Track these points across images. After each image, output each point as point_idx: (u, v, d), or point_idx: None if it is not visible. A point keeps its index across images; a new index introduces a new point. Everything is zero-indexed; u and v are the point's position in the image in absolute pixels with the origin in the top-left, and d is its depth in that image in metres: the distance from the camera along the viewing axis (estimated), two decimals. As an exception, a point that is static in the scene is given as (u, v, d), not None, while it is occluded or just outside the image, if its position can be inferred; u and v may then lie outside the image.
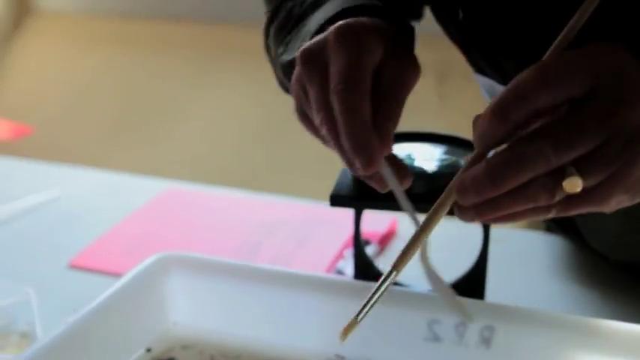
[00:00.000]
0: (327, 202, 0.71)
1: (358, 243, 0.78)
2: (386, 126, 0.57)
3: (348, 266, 0.90)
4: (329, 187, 0.72)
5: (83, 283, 0.89)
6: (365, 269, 0.79)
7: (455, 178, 0.53)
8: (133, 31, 2.23)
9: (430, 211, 0.53)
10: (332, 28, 0.59)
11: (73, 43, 2.30)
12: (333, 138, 0.57)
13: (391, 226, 0.98)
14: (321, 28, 0.65)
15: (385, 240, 0.96)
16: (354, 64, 0.56)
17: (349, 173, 0.73)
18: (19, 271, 0.92)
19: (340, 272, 0.90)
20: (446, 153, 0.74)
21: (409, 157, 0.73)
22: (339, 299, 0.70)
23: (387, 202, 0.63)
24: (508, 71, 0.73)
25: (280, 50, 0.75)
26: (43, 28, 2.35)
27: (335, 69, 0.57)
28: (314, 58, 0.59)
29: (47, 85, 2.28)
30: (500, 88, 0.75)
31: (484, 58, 0.75)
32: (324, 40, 0.59)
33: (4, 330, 0.78)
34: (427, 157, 0.73)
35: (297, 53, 0.60)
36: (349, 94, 0.55)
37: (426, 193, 0.68)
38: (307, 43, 0.60)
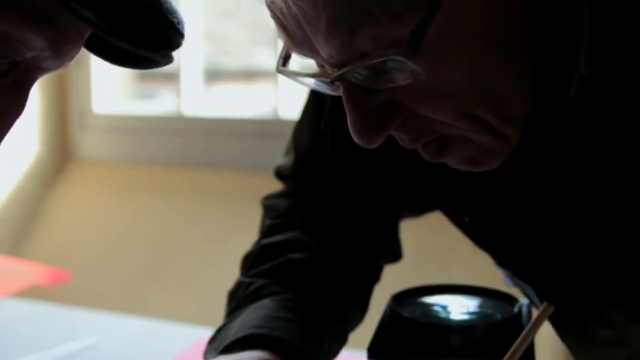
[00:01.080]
0: (364, 352, 0.72)
1: (394, 395, 0.78)
2: None
3: (384, 418, 0.89)
4: (367, 336, 0.72)
5: None
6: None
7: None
8: (170, 178, 2.29)
9: None
10: None
11: (112, 189, 2.36)
12: None
13: (426, 377, 0.97)
14: (232, 343, 0.71)
15: (420, 391, 0.95)
16: None
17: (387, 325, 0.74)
18: (55, 419, 0.92)
19: None
20: (480, 306, 0.75)
21: (445, 309, 0.74)
22: None
23: (426, 357, 0.64)
24: (517, 271, 0.74)
25: (225, 321, 0.80)
26: (82, 175, 2.42)
27: None
28: None
29: (85, 231, 2.32)
30: (520, 282, 0.76)
31: (494, 257, 0.77)
32: None
33: None
34: (462, 309, 0.74)
35: None
36: None
37: (462, 346, 0.69)
38: None
